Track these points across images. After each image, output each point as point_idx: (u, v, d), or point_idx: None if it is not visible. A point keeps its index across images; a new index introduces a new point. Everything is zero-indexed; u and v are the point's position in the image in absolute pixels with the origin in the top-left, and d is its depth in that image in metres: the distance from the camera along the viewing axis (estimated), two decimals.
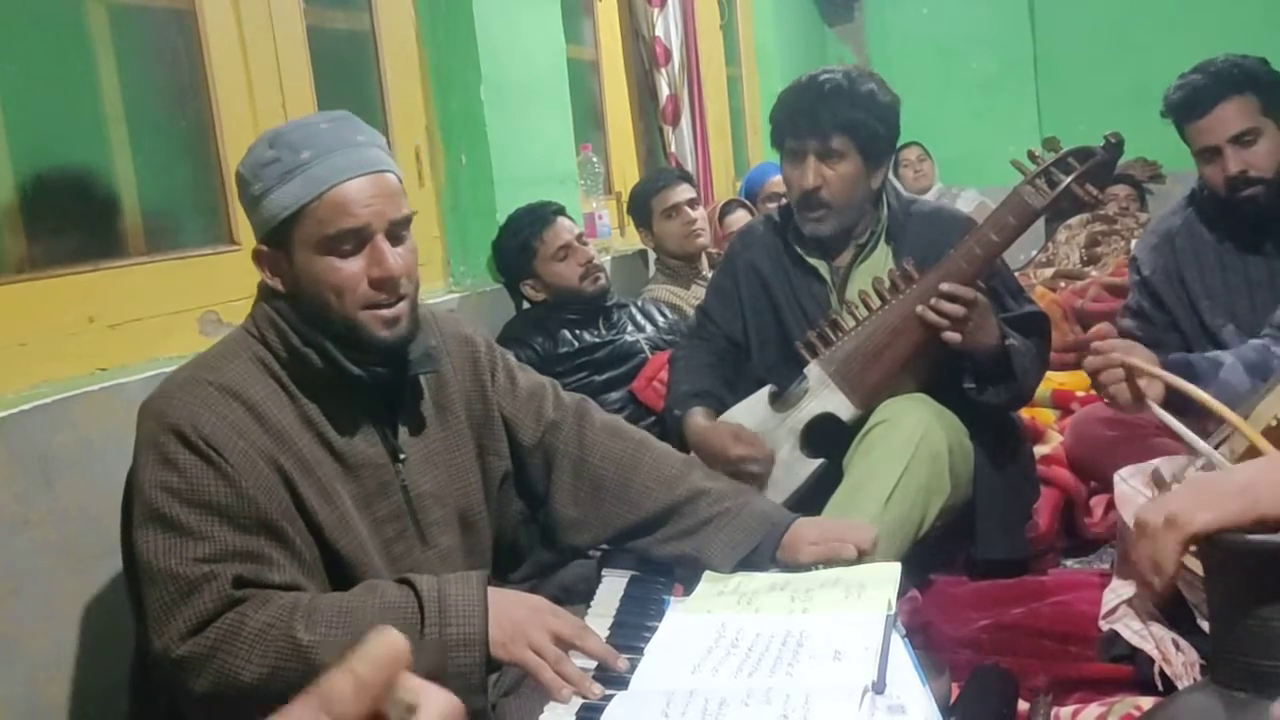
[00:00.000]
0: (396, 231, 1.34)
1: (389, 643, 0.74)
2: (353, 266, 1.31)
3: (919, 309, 1.87)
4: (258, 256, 1.35)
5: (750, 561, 1.47)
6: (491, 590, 1.25)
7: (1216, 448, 1.55)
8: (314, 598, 1.23)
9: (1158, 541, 0.96)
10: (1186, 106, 2.13)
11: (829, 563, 1.44)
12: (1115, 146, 1.93)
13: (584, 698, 1.17)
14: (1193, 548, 1.32)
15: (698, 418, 2.05)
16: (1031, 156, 1.92)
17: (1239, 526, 0.93)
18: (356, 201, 1.29)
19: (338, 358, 1.33)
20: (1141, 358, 1.71)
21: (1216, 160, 2.13)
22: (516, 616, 1.23)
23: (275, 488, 1.27)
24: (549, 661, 1.19)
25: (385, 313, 1.33)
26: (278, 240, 1.32)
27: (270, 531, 1.26)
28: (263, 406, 1.30)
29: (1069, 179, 1.87)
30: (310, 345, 1.33)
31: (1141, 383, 1.69)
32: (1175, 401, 1.63)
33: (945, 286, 1.85)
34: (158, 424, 1.26)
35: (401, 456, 1.42)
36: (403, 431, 1.43)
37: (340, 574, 1.32)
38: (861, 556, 1.45)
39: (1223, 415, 1.47)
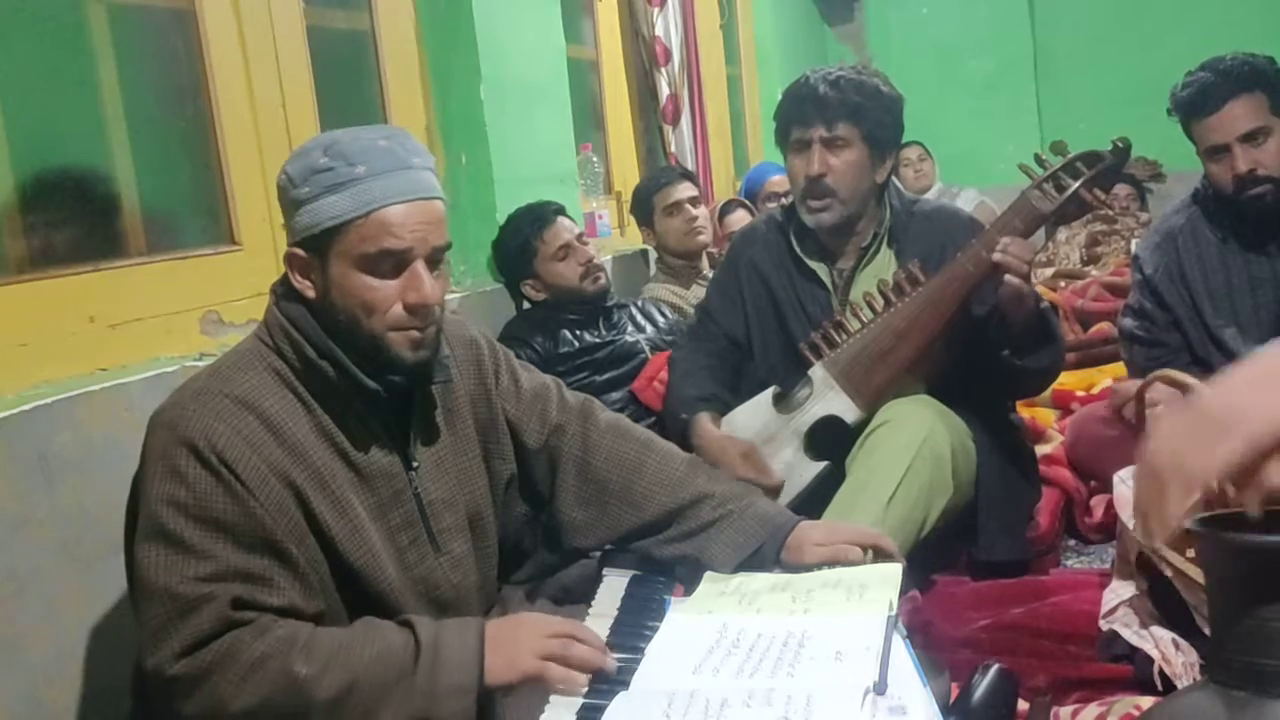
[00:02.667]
0: (436, 258, 1.34)
1: None
2: (388, 288, 1.31)
3: (995, 256, 1.85)
4: (290, 259, 1.35)
5: (752, 563, 1.47)
6: (489, 624, 1.26)
7: None
8: (313, 633, 1.23)
9: (1163, 495, 0.90)
10: (1195, 104, 2.13)
11: (833, 564, 1.44)
12: (1123, 151, 1.92)
13: (606, 671, 1.21)
14: (1191, 552, 1.31)
15: (705, 424, 2.04)
16: (1039, 160, 1.91)
17: (1241, 465, 0.90)
18: (403, 225, 1.29)
19: (353, 370, 1.33)
20: None
21: (1225, 158, 2.13)
22: (514, 638, 1.24)
23: (286, 505, 1.27)
24: (556, 655, 1.21)
25: (414, 334, 1.34)
26: (315, 246, 1.32)
27: (274, 552, 1.25)
28: (278, 419, 1.29)
29: (1077, 184, 1.87)
30: (325, 357, 1.33)
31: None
32: None
33: (1006, 241, 1.85)
34: (170, 436, 1.25)
35: (414, 464, 1.41)
36: (415, 439, 1.42)
37: (352, 586, 1.32)
38: (876, 555, 1.45)
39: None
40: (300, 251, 1.33)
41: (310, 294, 1.34)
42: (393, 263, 1.31)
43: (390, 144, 1.32)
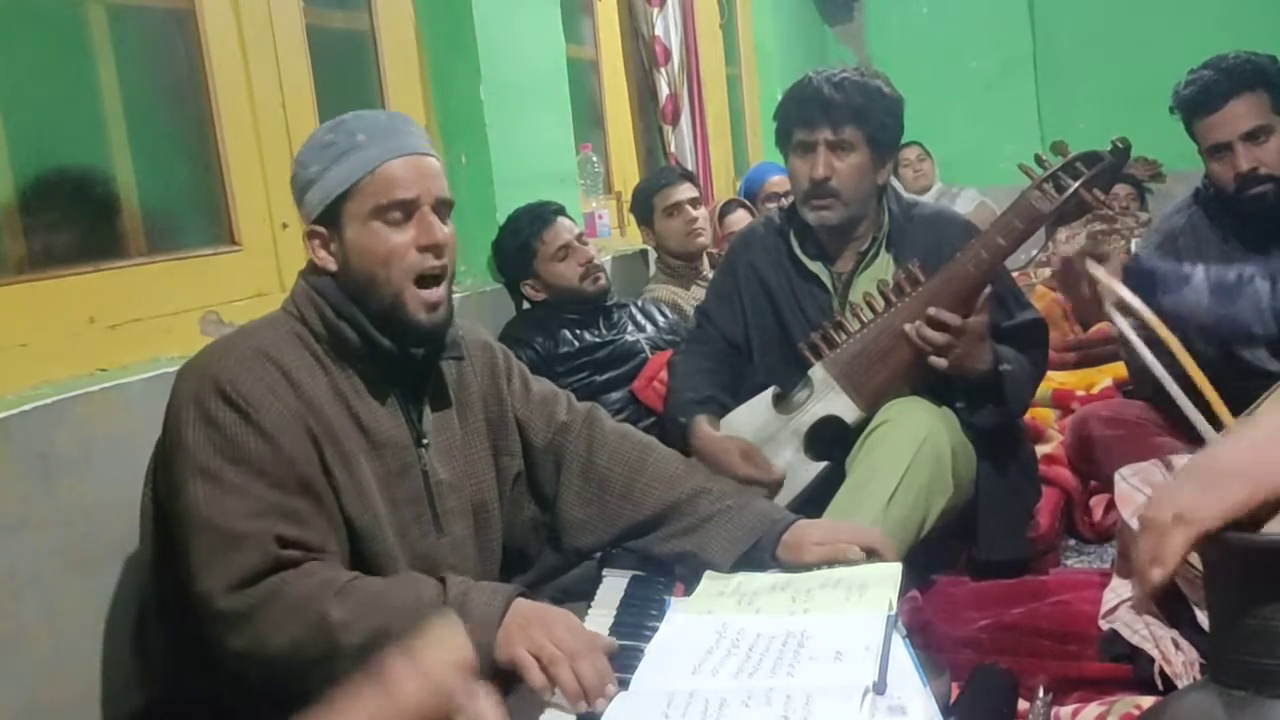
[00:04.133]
0: (441, 210, 1.41)
1: (458, 648, 0.82)
2: (402, 235, 1.39)
3: (906, 328, 1.88)
4: (310, 236, 1.42)
5: (750, 559, 1.47)
6: (525, 602, 1.25)
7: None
8: (353, 578, 1.26)
9: (1165, 538, 0.95)
10: (1198, 102, 2.13)
11: (832, 563, 1.44)
12: (1123, 151, 1.92)
13: (561, 708, 1.16)
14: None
15: (703, 426, 2.04)
16: (1039, 161, 1.91)
17: (1242, 512, 0.92)
18: (406, 177, 1.38)
19: (371, 331, 1.39)
20: (1107, 269, 1.83)
21: (1227, 157, 2.13)
22: (533, 622, 1.22)
23: (307, 449, 1.32)
24: (543, 662, 1.19)
25: (427, 294, 1.39)
26: (329, 219, 1.40)
27: (306, 489, 1.30)
28: (296, 373, 1.35)
29: (1077, 184, 1.87)
30: (345, 319, 1.39)
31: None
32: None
33: (932, 312, 1.86)
34: (197, 383, 1.31)
35: (424, 441, 1.45)
36: (426, 417, 1.47)
37: (354, 547, 1.35)
38: (871, 556, 1.45)
39: (1163, 335, 1.62)
40: (319, 228, 1.41)
41: (331, 267, 1.41)
42: (402, 211, 1.38)
43: (390, 117, 1.43)
